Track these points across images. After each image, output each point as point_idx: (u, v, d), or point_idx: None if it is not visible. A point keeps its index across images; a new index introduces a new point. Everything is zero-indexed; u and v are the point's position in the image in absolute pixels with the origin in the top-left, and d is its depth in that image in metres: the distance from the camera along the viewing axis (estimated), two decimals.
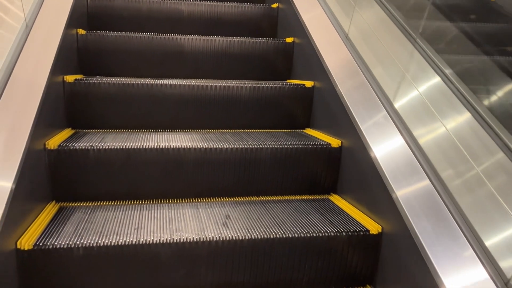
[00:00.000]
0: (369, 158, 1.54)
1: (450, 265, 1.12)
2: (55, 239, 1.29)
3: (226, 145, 1.72)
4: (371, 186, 1.53)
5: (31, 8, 1.87)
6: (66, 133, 1.84)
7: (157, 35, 2.37)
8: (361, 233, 1.46)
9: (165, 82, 2.02)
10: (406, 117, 1.57)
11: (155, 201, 1.68)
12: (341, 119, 1.79)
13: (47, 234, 1.33)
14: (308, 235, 1.42)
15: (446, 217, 1.23)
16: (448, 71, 1.51)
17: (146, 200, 1.68)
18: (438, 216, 1.24)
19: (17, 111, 1.42)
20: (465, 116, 1.37)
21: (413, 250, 1.22)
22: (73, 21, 2.14)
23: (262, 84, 2.12)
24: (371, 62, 1.84)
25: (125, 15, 2.67)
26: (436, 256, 1.14)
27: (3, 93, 1.41)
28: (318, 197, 1.82)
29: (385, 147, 1.53)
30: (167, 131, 2.02)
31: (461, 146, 1.32)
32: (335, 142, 1.79)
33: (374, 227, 1.47)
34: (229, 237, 1.36)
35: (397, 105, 1.63)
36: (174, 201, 1.70)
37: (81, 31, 2.28)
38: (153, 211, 1.57)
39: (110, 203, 1.64)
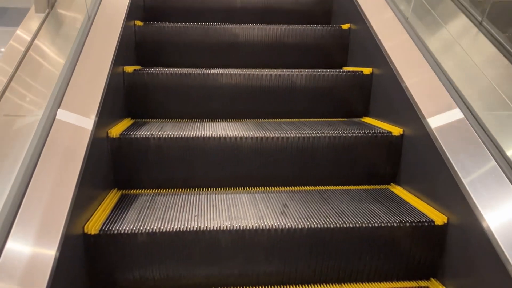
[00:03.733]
0: (434, 146, 1.46)
1: None
2: (119, 224, 1.33)
3: (283, 134, 1.70)
4: (436, 175, 1.46)
5: (93, 1, 1.93)
6: (126, 122, 1.89)
7: (212, 24, 2.37)
8: (426, 224, 1.40)
9: (220, 72, 2.02)
10: (473, 102, 1.48)
11: (213, 189, 1.69)
12: (402, 107, 1.72)
13: (112, 219, 1.37)
14: (370, 226, 1.38)
15: None
16: None
17: (204, 188, 1.70)
18: None
19: (83, 100, 1.46)
20: None
21: (484, 244, 1.15)
22: (131, 13, 2.18)
23: (318, 71, 2.08)
24: (434, 46, 1.75)
25: (179, 7, 2.70)
26: None
27: (69, 83, 1.46)
28: (377, 187, 1.76)
29: (453, 135, 1.45)
30: (223, 120, 2.03)
31: None
32: (396, 131, 1.72)
33: (439, 218, 1.40)
34: (288, 226, 1.35)
35: (464, 91, 1.54)
36: (231, 189, 1.70)
37: (138, 23, 2.33)
38: (211, 198, 1.58)
39: (169, 191, 1.67)
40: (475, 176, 1.30)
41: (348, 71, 2.09)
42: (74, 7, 1.79)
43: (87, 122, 1.39)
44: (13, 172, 1.08)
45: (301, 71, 2.07)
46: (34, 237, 1.00)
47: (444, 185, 1.41)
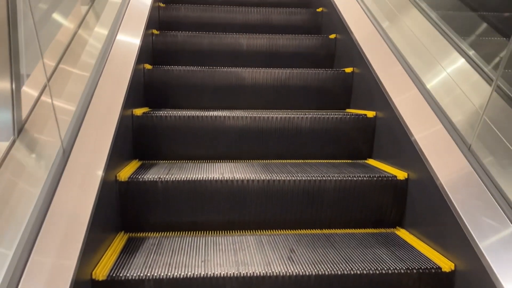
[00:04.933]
0: (438, 191, 1.48)
1: None
2: (126, 270, 1.33)
3: (289, 177, 1.72)
4: (442, 221, 1.47)
5: (104, 45, 2.00)
6: (134, 164, 1.91)
7: (219, 68, 2.44)
8: (433, 271, 1.40)
9: (227, 114, 2.06)
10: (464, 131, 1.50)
11: (220, 232, 1.70)
12: (406, 150, 1.74)
13: (119, 265, 1.37)
14: (377, 272, 1.37)
15: None
16: None
17: (211, 231, 1.70)
18: None
19: (94, 144, 1.50)
20: None
21: None
22: (141, 57, 2.25)
23: (322, 114, 2.12)
24: (439, 95, 1.79)
25: (188, 49, 2.79)
26: None
27: (81, 125, 1.50)
28: (383, 230, 1.76)
29: (456, 179, 1.47)
30: (230, 161, 2.06)
31: None
32: (401, 174, 1.74)
33: (446, 264, 1.40)
34: (295, 273, 1.34)
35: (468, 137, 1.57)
36: (238, 232, 1.70)
37: (147, 66, 2.40)
38: (218, 242, 1.58)
39: (176, 234, 1.67)
40: (481, 222, 1.31)
41: (352, 114, 2.13)
42: (84, 54, 1.85)
43: (98, 167, 1.41)
44: (25, 218, 1.10)
45: (306, 114, 2.11)
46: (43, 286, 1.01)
47: (450, 231, 1.41)
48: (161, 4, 3.25)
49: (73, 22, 1.91)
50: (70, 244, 1.14)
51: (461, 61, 1.85)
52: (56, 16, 1.91)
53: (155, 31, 2.81)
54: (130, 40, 2.22)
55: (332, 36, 2.89)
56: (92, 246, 1.27)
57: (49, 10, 1.85)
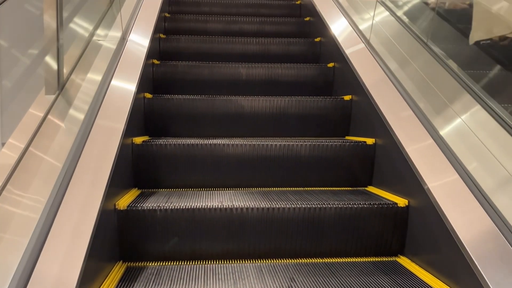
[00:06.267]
0: (440, 219, 1.47)
1: None
2: None
3: (289, 205, 1.71)
4: (443, 248, 1.45)
5: (105, 75, 2.03)
6: (133, 193, 1.91)
7: (218, 96, 2.46)
8: None
9: (226, 142, 2.07)
10: (467, 162, 1.51)
11: (219, 262, 1.67)
12: (406, 177, 1.74)
13: None
14: None
15: None
16: None
17: (210, 261, 1.68)
18: None
19: (95, 170, 1.50)
20: None
21: None
22: (141, 87, 2.28)
23: (321, 141, 2.12)
24: (438, 122, 1.80)
25: (188, 79, 2.82)
26: None
27: (81, 152, 1.50)
28: (385, 259, 1.74)
29: (457, 207, 1.46)
30: (230, 189, 2.05)
31: None
32: (401, 202, 1.73)
33: None
34: None
35: (469, 166, 1.57)
36: (237, 261, 1.68)
37: (147, 95, 2.42)
38: (217, 271, 1.56)
39: (175, 263, 1.65)
40: (485, 250, 1.30)
41: (351, 141, 2.14)
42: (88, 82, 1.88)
43: (97, 196, 1.41)
44: (24, 246, 1.10)
45: (305, 141, 2.11)
46: None
47: (453, 259, 1.39)
48: (162, 35, 3.32)
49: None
50: (67, 274, 1.13)
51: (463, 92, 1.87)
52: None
53: (155, 61, 2.85)
54: (130, 70, 2.25)
55: (331, 64, 2.93)
56: (89, 276, 1.25)
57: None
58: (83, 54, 2.06)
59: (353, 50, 2.65)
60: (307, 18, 3.85)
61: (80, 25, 2.29)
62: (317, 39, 3.38)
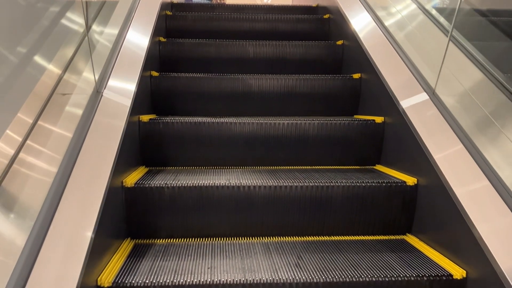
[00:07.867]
0: (449, 196, 1.45)
1: None
2: (132, 277, 1.32)
3: (296, 183, 1.70)
4: (452, 227, 1.44)
5: (111, 51, 2.01)
6: (141, 171, 1.91)
7: (225, 75, 2.44)
8: (444, 278, 1.37)
9: (233, 120, 2.05)
10: (487, 153, 1.48)
11: (226, 239, 1.68)
12: (416, 156, 1.72)
13: (125, 271, 1.36)
14: (387, 279, 1.35)
15: None
16: None
17: (217, 238, 1.69)
18: None
19: (101, 149, 1.49)
20: None
21: None
22: (147, 65, 2.26)
23: (329, 120, 2.10)
24: (449, 103, 1.77)
25: (195, 57, 2.79)
26: None
27: (87, 134, 1.49)
28: (392, 237, 1.73)
29: (467, 185, 1.44)
30: (237, 168, 2.04)
31: None
32: (410, 180, 1.72)
33: (457, 272, 1.37)
34: (303, 280, 1.32)
35: (475, 139, 1.54)
36: (245, 239, 1.69)
37: (154, 73, 2.40)
38: (225, 248, 1.57)
39: (182, 240, 1.66)
40: (494, 227, 1.29)
41: (360, 120, 2.11)
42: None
43: (104, 172, 1.41)
44: (32, 222, 1.11)
45: (313, 120, 2.09)
46: None
47: (461, 237, 1.38)
48: (168, 13, 3.28)
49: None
50: (75, 250, 1.13)
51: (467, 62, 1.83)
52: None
53: (162, 39, 2.82)
54: (136, 48, 2.22)
55: (339, 42, 2.88)
56: (97, 253, 1.26)
57: None
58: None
59: (362, 26, 2.60)
60: None
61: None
62: (326, 16, 3.32)
